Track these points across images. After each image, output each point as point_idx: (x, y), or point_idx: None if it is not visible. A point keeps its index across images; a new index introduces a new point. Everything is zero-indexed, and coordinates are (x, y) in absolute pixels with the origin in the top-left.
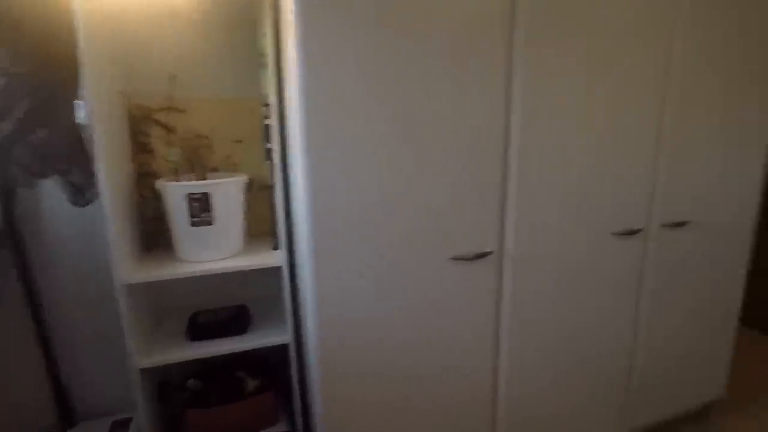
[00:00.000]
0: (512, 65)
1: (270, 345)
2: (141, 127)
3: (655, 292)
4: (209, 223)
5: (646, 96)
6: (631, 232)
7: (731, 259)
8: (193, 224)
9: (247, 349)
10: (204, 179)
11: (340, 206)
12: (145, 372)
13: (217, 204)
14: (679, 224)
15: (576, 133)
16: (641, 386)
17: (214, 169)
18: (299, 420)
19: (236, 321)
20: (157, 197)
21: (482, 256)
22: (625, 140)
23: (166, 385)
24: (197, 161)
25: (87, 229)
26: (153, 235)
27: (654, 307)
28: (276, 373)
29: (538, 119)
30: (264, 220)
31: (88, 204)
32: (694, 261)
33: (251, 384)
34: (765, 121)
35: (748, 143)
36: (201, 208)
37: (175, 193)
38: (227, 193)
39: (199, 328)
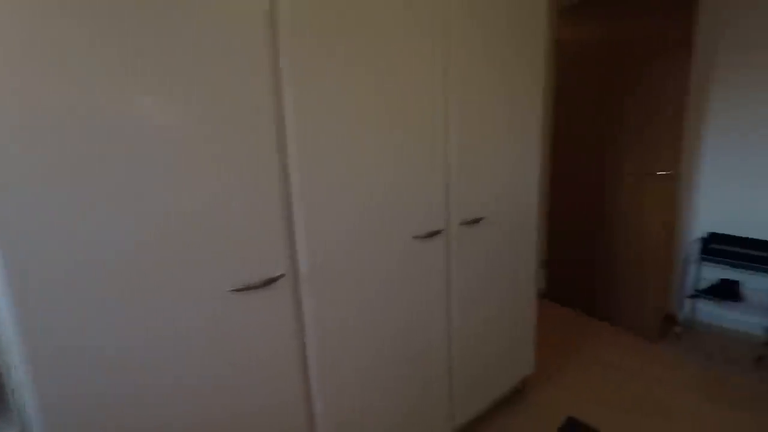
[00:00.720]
0: (278, 64)
1: None
2: None
3: (462, 288)
4: None
5: (430, 97)
6: (433, 234)
7: (524, 246)
8: None
9: None
10: None
11: (50, 240)
12: None
13: None
14: (476, 221)
15: (363, 138)
16: (462, 383)
17: None
18: None
19: None
20: None
21: (272, 281)
22: (416, 143)
23: None
24: None
25: None
26: None
27: (463, 303)
28: None
29: (318, 126)
30: None
31: None
32: (494, 253)
33: None
34: (537, 121)
35: (530, 142)
36: None
37: None
38: None
39: None
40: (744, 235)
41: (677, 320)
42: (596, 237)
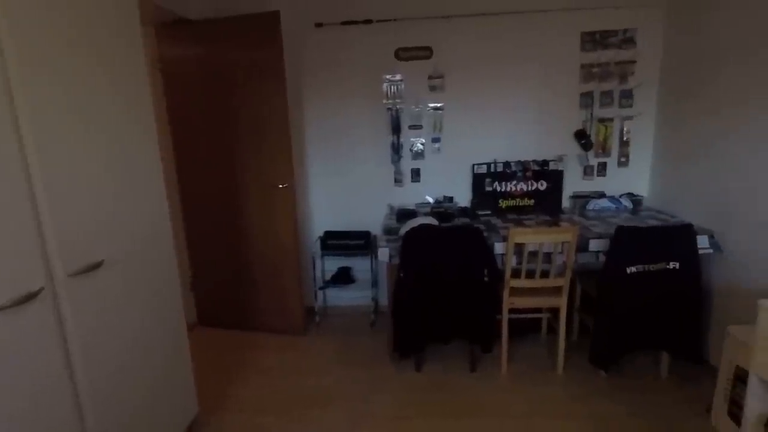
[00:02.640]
0: None
1: None
2: None
3: (91, 358)
4: None
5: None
6: (27, 298)
7: (163, 280)
8: None
9: None
10: None
11: None
12: None
13: None
14: (95, 266)
15: None
16: None
17: None
18: None
19: None
20: None
21: None
22: None
23: None
24: None
25: None
26: None
27: (97, 379)
28: None
29: None
30: None
31: None
32: (127, 299)
33: None
34: (152, 143)
35: (148, 166)
36: None
37: None
38: None
39: None
40: (347, 229)
41: (315, 311)
42: (237, 252)
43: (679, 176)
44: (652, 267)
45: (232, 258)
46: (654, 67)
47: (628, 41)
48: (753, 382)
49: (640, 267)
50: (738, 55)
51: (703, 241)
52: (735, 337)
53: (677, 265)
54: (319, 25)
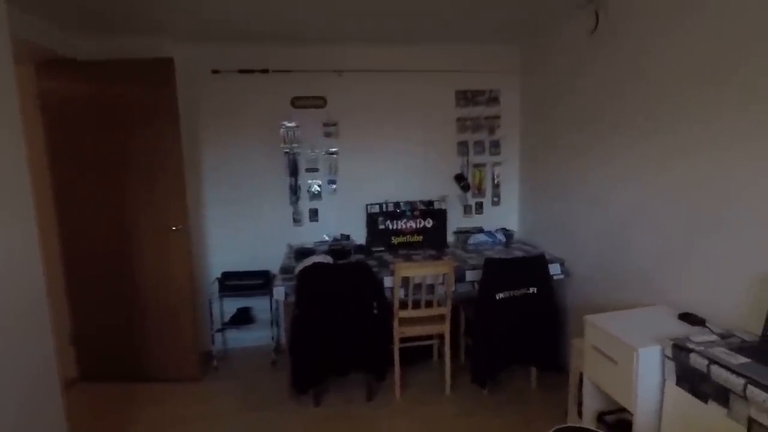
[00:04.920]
0: None
1: None
2: None
3: None
4: None
5: None
6: None
7: (32, 338)
8: None
9: None
10: None
11: None
12: None
13: None
14: None
15: None
16: None
17: None
18: None
19: None
20: None
21: None
22: None
23: None
24: None
25: None
26: None
27: None
28: None
29: None
30: None
31: None
32: None
33: None
34: (24, 187)
35: (17, 211)
36: None
37: None
38: None
39: None
40: (247, 269)
41: (213, 354)
42: (128, 298)
43: (538, 212)
44: (516, 292)
45: (122, 305)
46: (515, 121)
47: (494, 100)
48: (586, 384)
49: (507, 293)
50: (565, 112)
51: (555, 269)
52: (577, 348)
53: (535, 290)
54: (215, 71)
